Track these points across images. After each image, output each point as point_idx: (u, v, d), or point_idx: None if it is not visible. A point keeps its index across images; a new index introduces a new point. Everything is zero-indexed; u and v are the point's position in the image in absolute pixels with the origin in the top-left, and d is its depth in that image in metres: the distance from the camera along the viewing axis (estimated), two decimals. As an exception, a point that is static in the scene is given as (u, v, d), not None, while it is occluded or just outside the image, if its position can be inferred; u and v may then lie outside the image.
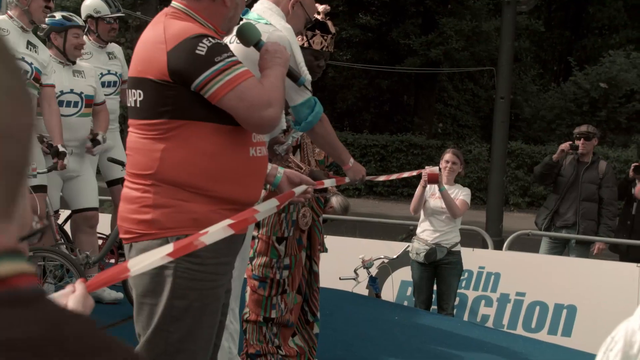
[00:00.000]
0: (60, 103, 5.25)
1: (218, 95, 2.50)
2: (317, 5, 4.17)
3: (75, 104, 5.41)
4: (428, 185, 6.22)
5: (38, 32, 5.47)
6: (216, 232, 2.33)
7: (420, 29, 24.22)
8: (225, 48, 2.58)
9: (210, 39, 2.53)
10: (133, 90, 2.63)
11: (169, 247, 2.20)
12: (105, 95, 5.76)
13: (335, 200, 7.39)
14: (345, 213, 7.72)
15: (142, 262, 2.10)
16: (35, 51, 4.93)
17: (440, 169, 6.20)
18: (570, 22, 28.89)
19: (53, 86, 5.09)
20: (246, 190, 2.67)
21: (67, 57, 5.35)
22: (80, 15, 5.80)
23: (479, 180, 20.91)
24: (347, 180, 3.94)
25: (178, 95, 2.52)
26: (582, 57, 25.96)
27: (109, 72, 5.90)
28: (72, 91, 5.37)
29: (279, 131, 3.68)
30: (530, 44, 27.35)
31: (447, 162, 6.43)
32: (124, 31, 16.06)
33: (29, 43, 4.91)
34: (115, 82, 5.90)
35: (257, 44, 2.92)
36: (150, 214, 2.56)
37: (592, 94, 22.45)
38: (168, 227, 2.55)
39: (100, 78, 5.81)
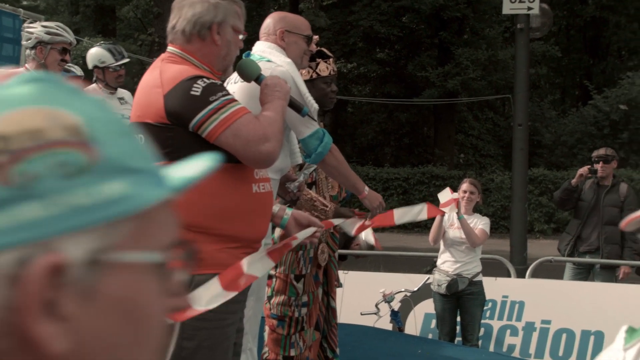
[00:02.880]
0: None
1: (215, 134, 2.53)
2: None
3: None
4: (446, 215, 6.20)
5: None
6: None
7: (437, 61, 24.31)
8: (220, 87, 2.62)
9: (204, 79, 2.57)
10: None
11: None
12: None
13: (362, 239, 7.40)
14: (372, 250, 7.72)
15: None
16: None
17: (458, 198, 6.21)
18: (589, 47, 28.86)
19: None
20: (251, 227, 2.68)
21: None
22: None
23: (503, 208, 20.77)
24: (367, 222, 3.89)
25: (177, 137, 2.56)
26: (601, 81, 25.87)
27: (122, 117, 5.97)
28: None
29: (288, 168, 3.69)
30: (548, 70, 27.31)
31: (465, 191, 6.41)
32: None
33: None
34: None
35: (258, 79, 2.95)
36: None
37: (612, 117, 22.31)
38: None
39: None
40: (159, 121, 2.56)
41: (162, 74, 2.61)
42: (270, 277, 4.04)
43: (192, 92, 2.53)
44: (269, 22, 3.70)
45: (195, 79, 2.56)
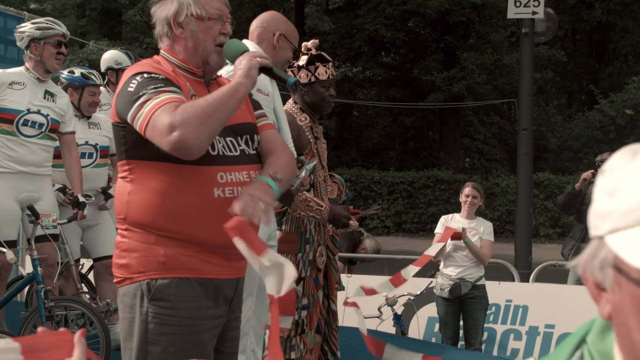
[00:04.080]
0: None
1: (141, 130, 2.39)
2: (305, 42, 4.26)
3: (90, 155, 5.48)
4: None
5: (58, 84, 5.55)
6: None
7: (442, 65, 24.30)
8: (157, 80, 2.45)
9: (145, 74, 2.46)
10: None
11: None
12: None
13: (368, 243, 7.42)
14: (378, 254, 7.74)
15: None
16: (53, 100, 4.98)
17: (464, 229, 6.17)
18: (595, 51, 28.81)
19: (73, 133, 5.12)
20: (213, 232, 2.45)
21: (82, 113, 5.45)
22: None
23: (508, 213, 20.75)
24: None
25: (128, 135, 2.49)
26: (607, 85, 25.82)
27: None
28: (86, 143, 5.45)
29: None
30: (554, 74, 27.26)
31: (467, 196, 6.40)
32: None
33: (46, 92, 4.97)
34: None
35: None
36: (126, 258, 2.51)
37: (618, 121, 22.29)
38: (140, 272, 2.48)
39: None
40: (115, 121, 2.52)
41: (124, 75, 2.57)
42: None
43: (129, 89, 2.43)
44: (270, 18, 3.77)
45: (135, 75, 2.47)
